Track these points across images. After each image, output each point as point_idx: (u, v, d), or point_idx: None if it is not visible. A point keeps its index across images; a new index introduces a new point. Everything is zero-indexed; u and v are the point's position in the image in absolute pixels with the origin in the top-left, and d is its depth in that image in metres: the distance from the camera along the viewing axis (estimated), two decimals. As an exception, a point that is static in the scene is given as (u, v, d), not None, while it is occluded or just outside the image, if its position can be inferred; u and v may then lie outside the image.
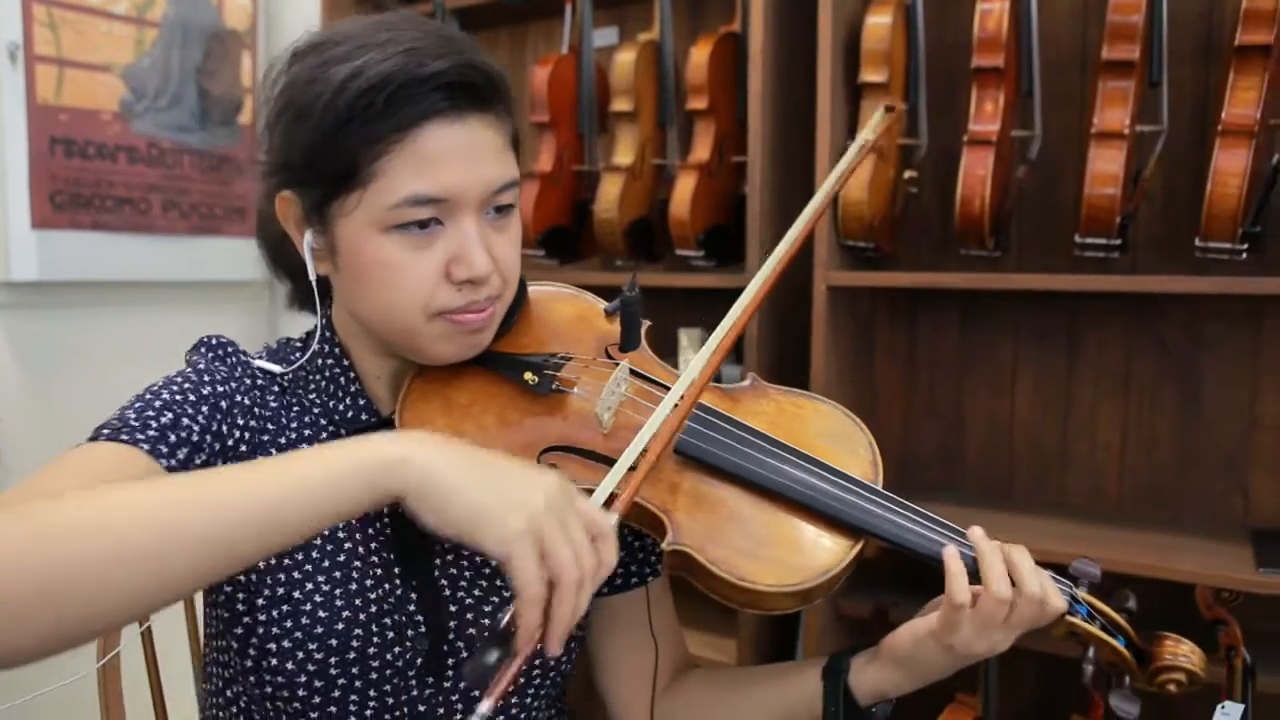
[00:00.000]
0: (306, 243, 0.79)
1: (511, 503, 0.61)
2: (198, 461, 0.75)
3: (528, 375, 0.81)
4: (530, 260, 1.90)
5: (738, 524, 0.77)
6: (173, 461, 0.73)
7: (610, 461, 0.75)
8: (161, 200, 2.21)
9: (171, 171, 2.23)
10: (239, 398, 0.81)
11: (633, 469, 0.73)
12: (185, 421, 0.75)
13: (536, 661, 0.84)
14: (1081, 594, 0.83)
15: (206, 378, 0.80)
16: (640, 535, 0.91)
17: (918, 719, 1.58)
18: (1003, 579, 0.76)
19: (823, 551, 0.77)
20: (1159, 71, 1.36)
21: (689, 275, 1.74)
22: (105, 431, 0.73)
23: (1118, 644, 0.83)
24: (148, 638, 1.06)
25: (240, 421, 0.80)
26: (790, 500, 0.78)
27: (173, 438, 0.74)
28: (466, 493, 0.61)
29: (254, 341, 0.92)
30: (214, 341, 0.85)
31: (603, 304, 0.90)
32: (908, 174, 1.59)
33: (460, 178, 0.74)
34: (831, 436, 0.85)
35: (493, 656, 0.61)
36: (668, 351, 1.59)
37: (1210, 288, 1.31)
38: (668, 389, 0.82)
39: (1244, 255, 1.31)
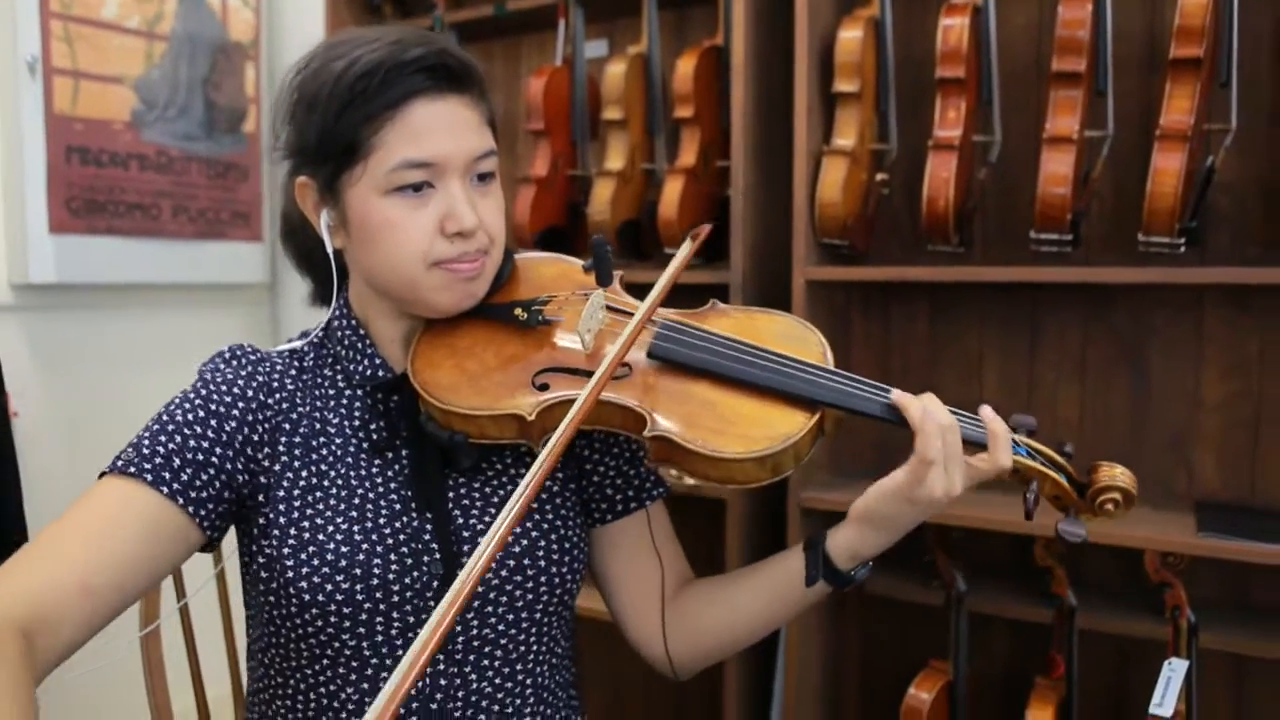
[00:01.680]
0: (323, 220, 0.93)
1: None
2: (203, 478, 0.88)
3: (517, 312, 0.95)
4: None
5: (708, 409, 0.89)
6: (175, 485, 0.86)
7: (592, 375, 0.88)
8: (171, 205, 2.30)
9: (180, 178, 2.33)
10: (250, 394, 0.92)
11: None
12: (192, 443, 0.88)
13: (543, 579, 0.94)
14: (1020, 438, 0.94)
15: (214, 388, 0.92)
16: (635, 464, 1.04)
17: (893, 684, 1.69)
18: (939, 409, 0.88)
19: (783, 423, 0.88)
20: (1104, 81, 1.48)
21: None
22: (118, 463, 0.87)
23: (1058, 477, 0.94)
24: (185, 613, 1.15)
25: (256, 417, 0.92)
26: (752, 385, 0.90)
27: (177, 461, 0.86)
28: None
29: (256, 340, 1.04)
30: (226, 351, 0.97)
31: (581, 262, 1.03)
32: (879, 177, 1.70)
33: (445, 145, 0.88)
34: (785, 337, 0.97)
35: None
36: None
37: (1154, 278, 1.43)
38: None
39: (1182, 249, 1.44)
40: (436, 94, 0.88)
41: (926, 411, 0.88)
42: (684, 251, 1.02)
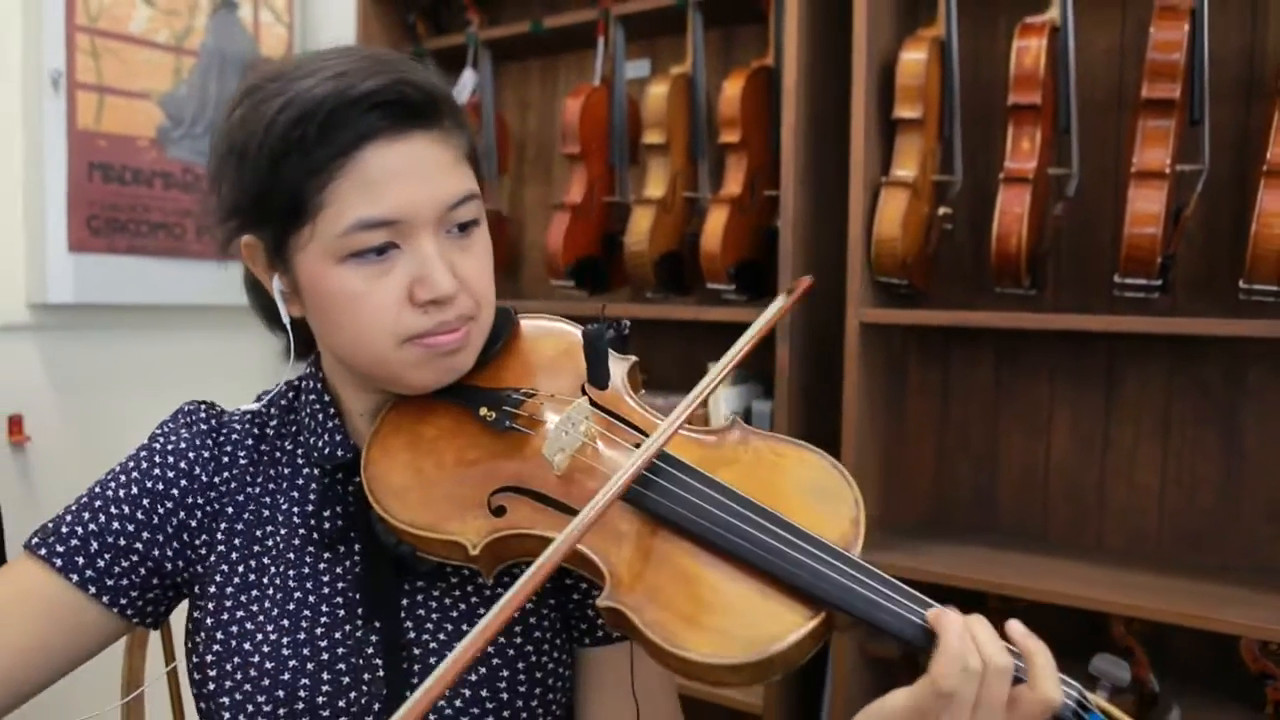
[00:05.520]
0: (275, 286, 0.79)
1: None
2: (122, 565, 0.79)
3: (483, 411, 0.78)
4: (560, 291, 1.90)
5: (684, 584, 0.69)
6: (88, 573, 0.78)
7: (561, 506, 0.71)
8: (195, 225, 2.23)
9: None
10: (197, 470, 0.82)
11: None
12: (115, 525, 0.79)
13: (505, 714, 0.78)
14: (1098, 699, 0.68)
15: (159, 459, 0.82)
16: None
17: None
18: (993, 647, 0.65)
19: (774, 622, 0.66)
20: (1200, 110, 1.34)
21: (719, 309, 1.72)
22: (34, 540, 0.79)
23: None
24: (173, 677, 1.05)
25: (197, 500, 0.82)
26: (747, 563, 0.69)
27: (94, 545, 0.78)
28: None
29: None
30: (187, 409, 0.86)
31: None
32: (942, 210, 1.57)
33: (409, 197, 0.72)
34: (811, 491, 0.75)
35: None
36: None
37: (1254, 331, 1.28)
38: (636, 429, 0.77)
39: (1290, 298, 1.28)
40: (395, 134, 0.72)
41: (969, 645, 0.64)
42: (779, 301, 0.84)
